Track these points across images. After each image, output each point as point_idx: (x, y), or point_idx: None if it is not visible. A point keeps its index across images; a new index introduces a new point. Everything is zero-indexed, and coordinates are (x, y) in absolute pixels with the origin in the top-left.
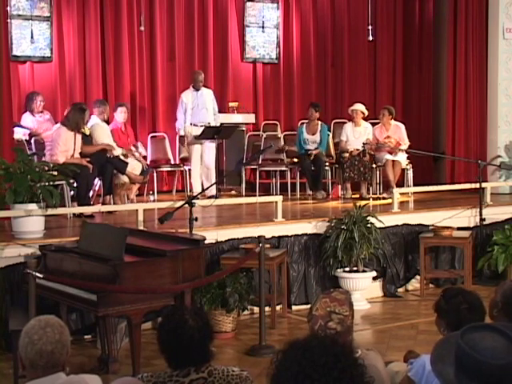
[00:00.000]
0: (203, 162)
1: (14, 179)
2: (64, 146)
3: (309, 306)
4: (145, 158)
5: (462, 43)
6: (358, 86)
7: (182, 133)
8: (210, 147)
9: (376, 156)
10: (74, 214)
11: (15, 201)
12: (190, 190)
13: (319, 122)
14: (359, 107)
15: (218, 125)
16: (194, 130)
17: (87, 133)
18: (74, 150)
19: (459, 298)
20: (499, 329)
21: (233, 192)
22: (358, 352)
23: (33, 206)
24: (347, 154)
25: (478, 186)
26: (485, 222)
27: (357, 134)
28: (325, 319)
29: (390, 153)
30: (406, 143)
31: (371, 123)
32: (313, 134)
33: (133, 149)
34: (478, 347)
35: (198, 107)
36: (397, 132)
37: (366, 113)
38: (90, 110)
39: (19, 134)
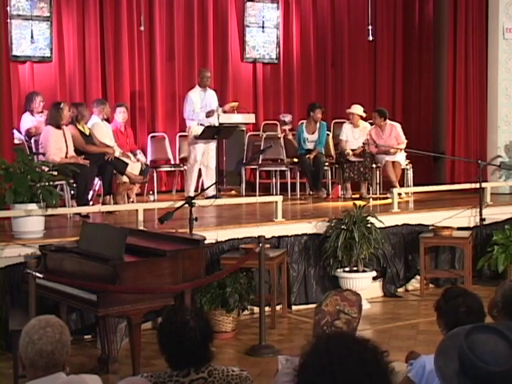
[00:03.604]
0: (205, 162)
1: (14, 179)
2: (55, 145)
3: (309, 306)
4: (145, 164)
5: (462, 43)
6: (358, 86)
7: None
8: (211, 147)
9: (376, 157)
10: (73, 214)
11: (15, 201)
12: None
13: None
14: (356, 111)
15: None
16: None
17: (87, 132)
18: (67, 147)
19: (458, 300)
20: (504, 333)
21: (233, 192)
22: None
23: (33, 206)
24: (347, 153)
25: (478, 186)
26: (485, 222)
27: (356, 135)
28: (332, 316)
29: (387, 153)
30: (403, 141)
31: (370, 123)
32: (312, 133)
33: (130, 155)
34: (478, 351)
35: (207, 107)
36: (392, 132)
37: (364, 115)
38: (90, 110)
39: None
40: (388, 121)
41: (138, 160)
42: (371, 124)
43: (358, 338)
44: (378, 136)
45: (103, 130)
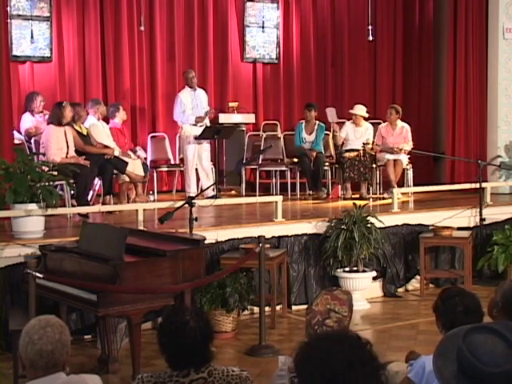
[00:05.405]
0: (200, 163)
1: (14, 179)
2: (56, 144)
3: None
4: (145, 158)
5: (462, 43)
6: (357, 85)
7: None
8: (205, 148)
9: (377, 155)
10: (73, 214)
11: (15, 201)
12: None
13: (317, 122)
14: (359, 112)
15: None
16: (194, 130)
17: (85, 132)
18: (68, 147)
19: (456, 300)
20: (502, 333)
21: (233, 192)
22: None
23: (33, 206)
24: (347, 154)
25: (478, 185)
26: (485, 222)
27: (358, 134)
28: (323, 315)
29: (392, 152)
30: (410, 144)
31: (371, 123)
32: (310, 134)
33: (130, 153)
34: (476, 352)
35: (198, 107)
36: (402, 132)
37: (367, 116)
38: (86, 110)
39: (16, 139)
40: (400, 121)
41: (138, 157)
42: (372, 124)
43: (338, 331)
44: (388, 132)
45: (100, 130)
